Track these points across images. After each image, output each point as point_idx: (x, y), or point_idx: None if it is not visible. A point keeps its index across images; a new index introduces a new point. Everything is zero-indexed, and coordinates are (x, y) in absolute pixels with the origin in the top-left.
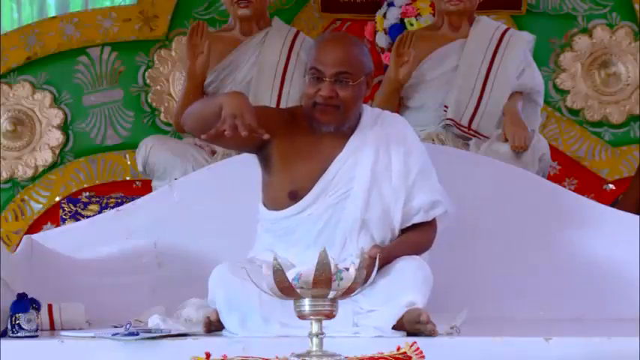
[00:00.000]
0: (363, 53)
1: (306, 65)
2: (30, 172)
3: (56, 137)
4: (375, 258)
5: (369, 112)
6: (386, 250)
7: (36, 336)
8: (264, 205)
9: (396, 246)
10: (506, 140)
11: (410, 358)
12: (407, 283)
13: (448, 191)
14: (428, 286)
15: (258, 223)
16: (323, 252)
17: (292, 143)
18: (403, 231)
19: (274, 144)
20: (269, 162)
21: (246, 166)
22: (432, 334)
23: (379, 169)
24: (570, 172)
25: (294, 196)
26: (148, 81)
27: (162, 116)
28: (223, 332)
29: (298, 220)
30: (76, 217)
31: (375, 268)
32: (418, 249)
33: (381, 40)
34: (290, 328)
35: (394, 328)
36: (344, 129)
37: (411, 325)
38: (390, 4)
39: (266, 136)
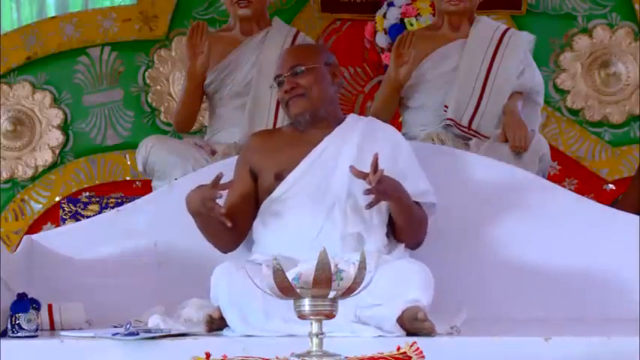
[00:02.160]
0: (316, 47)
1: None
2: (30, 172)
3: (56, 137)
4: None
5: (354, 115)
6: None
7: (36, 336)
8: (260, 202)
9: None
10: (506, 140)
11: (410, 358)
12: (411, 282)
13: (448, 191)
14: (431, 288)
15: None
16: (323, 252)
17: (273, 146)
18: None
19: (256, 160)
20: (258, 170)
21: None
22: (429, 331)
23: (365, 149)
24: (570, 172)
25: (279, 176)
26: (148, 81)
27: (162, 116)
28: (224, 332)
29: (287, 197)
30: (76, 217)
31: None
32: (419, 215)
33: (381, 40)
34: (292, 324)
35: (398, 322)
36: (322, 115)
37: (410, 322)
38: (390, 4)
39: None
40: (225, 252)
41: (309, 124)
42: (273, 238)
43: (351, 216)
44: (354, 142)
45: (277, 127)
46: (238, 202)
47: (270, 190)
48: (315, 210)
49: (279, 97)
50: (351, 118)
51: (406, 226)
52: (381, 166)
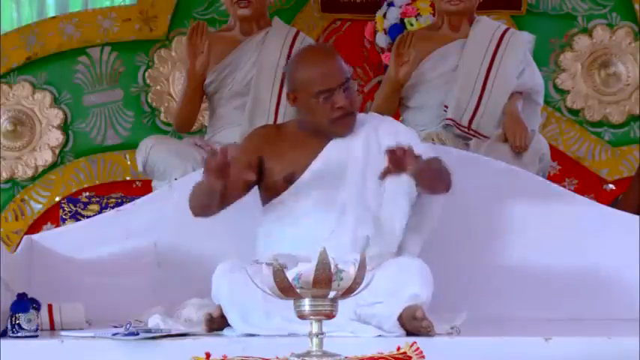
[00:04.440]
0: (341, 58)
1: (299, 93)
2: (30, 172)
3: (56, 137)
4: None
5: (359, 114)
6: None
7: (36, 336)
8: (264, 204)
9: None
10: (506, 140)
11: (410, 358)
12: (411, 278)
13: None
14: (430, 284)
15: (258, 227)
16: (323, 252)
17: (283, 144)
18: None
19: (265, 156)
20: (265, 169)
21: None
22: (428, 330)
23: (371, 146)
24: (570, 172)
25: (289, 180)
26: (148, 81)
27: (162, 116)
28: (224, 332)
29: (296, 199)
30: (76, 217)
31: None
32: (438, 167)
33: (381, 40)
34: (293, 323)
35: (398, 321)
36: None
37: (409, 321)
38: (390, 4)
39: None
40: (202, 216)
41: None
42: (282, 241)
43: (363, 219)
44: (359, 143)
45: (281, 123)
46: (236, 180)
47: (278, 192)
48: (326, 213)
49: (323, 112)
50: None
51: (433, 183)
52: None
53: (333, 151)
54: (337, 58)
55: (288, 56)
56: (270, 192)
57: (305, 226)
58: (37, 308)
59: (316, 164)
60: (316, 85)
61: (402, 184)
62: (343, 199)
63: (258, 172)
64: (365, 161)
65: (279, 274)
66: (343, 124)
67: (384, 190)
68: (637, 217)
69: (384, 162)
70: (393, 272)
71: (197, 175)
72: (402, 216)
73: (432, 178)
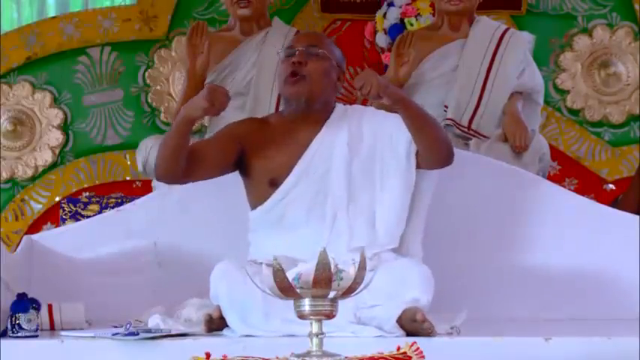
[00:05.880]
0: (334, 44)
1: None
2: (30, 172)
3: (56, 137)
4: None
5: (340, 106)
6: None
7: (36, 336)
8: (252, 208)
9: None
10: (506, 140)
11: (410, 358)
12: (411, 282)
13: (448, 191)
14: (431, 287)
15: (249, 233)
16: (323, 252)
17: (266, 141)
18: None
19: (247, 150)
20: (248, 167)
21: None
22: (429, 332)
23: (354, 143)
24: (570, 172)
25: (274, 183)
26: (148, 81)
27: (162, 116)
28: (224, 332)
29: (284, 205)
30: (76, 217)
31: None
32: (427, 113)
33: (381, 40)
34: (292, 325)
35: (397, 322)
36: (315, 108)
37: (409, 323)
38: (390, 4)
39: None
40: (167, 177)
41: (299, 113)
42: (275, 248)
43: (356, 225)
44: (344, 142)
45: (266, 116)
46: (208, 154)
47: (263, 196)
48: (318, 222)
49: (282, 69)
50: (336, 114)
51: (422, 125)
52: (375, 148)
53: (317, 149)
54: (322, 36)
55: None
56: (255, 195)
57: (296, 238)
58: (37, 308)
59: (300, 167)
60: (286, 45)
61: (400, 164)
62: (334, 205)
63: (236, 160)
64: (350, 157)
65: (279, 274)
66: (291, 83)
67: (376, 178)
68: (637, 217)
69: (369, 155)
70: (393, 275)
71: None
72: (400, 205)
73: (421, 118)
